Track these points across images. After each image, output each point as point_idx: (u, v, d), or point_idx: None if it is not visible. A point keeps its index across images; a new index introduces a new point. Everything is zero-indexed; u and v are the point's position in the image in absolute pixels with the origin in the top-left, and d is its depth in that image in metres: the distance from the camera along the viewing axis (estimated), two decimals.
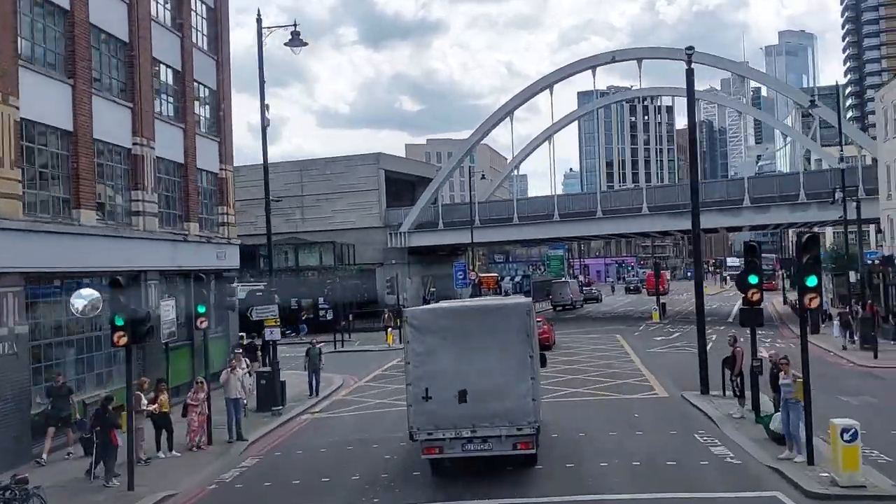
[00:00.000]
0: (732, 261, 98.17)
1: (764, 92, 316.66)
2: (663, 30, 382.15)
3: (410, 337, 13.90)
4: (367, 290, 59.04)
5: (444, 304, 18.43)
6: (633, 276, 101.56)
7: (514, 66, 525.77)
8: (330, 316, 49.99)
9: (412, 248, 59.57)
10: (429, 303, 54.87)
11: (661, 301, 52.56)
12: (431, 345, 13.72)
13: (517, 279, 74.38)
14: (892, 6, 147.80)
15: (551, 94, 55.38)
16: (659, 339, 38.25)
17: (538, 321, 34.65)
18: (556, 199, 55.03)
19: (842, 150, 35.78)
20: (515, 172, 64.13)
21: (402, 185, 63.71)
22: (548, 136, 60.61)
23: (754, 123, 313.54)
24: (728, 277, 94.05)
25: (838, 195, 35.07)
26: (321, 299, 50.67)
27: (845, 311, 34.93)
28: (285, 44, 22.35)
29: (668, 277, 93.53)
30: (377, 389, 26.07)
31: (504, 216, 56.50)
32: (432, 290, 54.46)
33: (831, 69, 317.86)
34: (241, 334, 41.43)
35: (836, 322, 34.41)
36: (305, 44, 22.43)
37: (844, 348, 32.54)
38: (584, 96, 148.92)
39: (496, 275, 71.80)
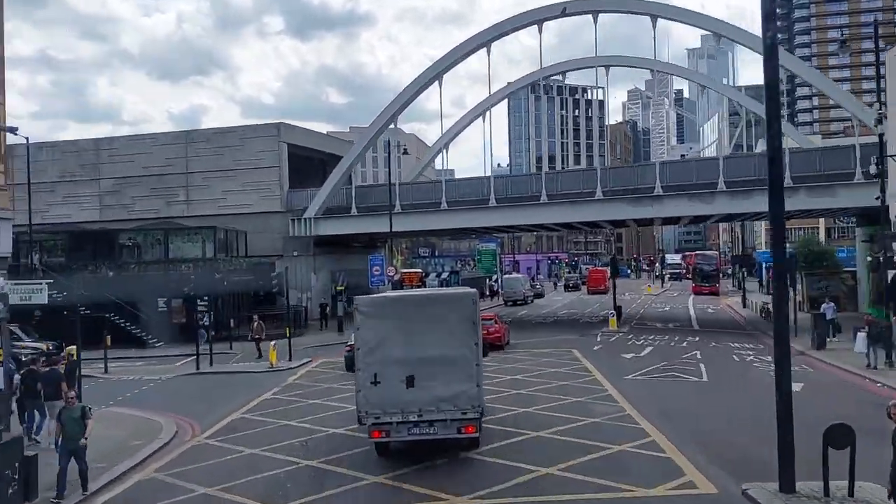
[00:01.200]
0: (672, 258, 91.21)
1: (686, 93, 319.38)
2: (587, 29, 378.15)
3: (360, 324, 14.02)
4: (263, 288, 48.33)
5: (392, 292, 19.80)
6: (573, 272, 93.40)
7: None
8: (208, 321, 39.09)
9: (320, 237, 49.08)
10: (327, 306, 46.03)
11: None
12: (380, 332, 13.85)
13: (444, 275, 64.67)
14: (822, 3, 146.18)
15: (488, 53, 45.82)
16: (629, 356, 29.02)
17: (490, 319, 30.09)
18: (491, 180, 45.43)
19: (882, 101, 26.88)
20: (444, 154, 54.27)
21: (310, 164, 52.99)
22: (483, 110, 51.13)
23: (677, 123, 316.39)
24: (668, 276, 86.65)
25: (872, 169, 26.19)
26: (200, 300, 39.61)
27: (875, 319, 26.30)
28: None
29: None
30: (220, 457, 15.66)
31: (430, 200, 46.61)
32: (341, 287, 44.06)
33: (749, 74, 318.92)
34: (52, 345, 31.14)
35: (861, 333, 25.87)
36: None
37: (871, 367, 24.36)
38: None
39: (420, 271, 61.82)
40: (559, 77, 57.02)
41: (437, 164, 57.96)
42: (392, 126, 46.58)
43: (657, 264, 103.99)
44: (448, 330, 13.86)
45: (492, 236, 76.49)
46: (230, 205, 50.54)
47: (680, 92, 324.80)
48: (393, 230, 44.38)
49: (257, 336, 32.03)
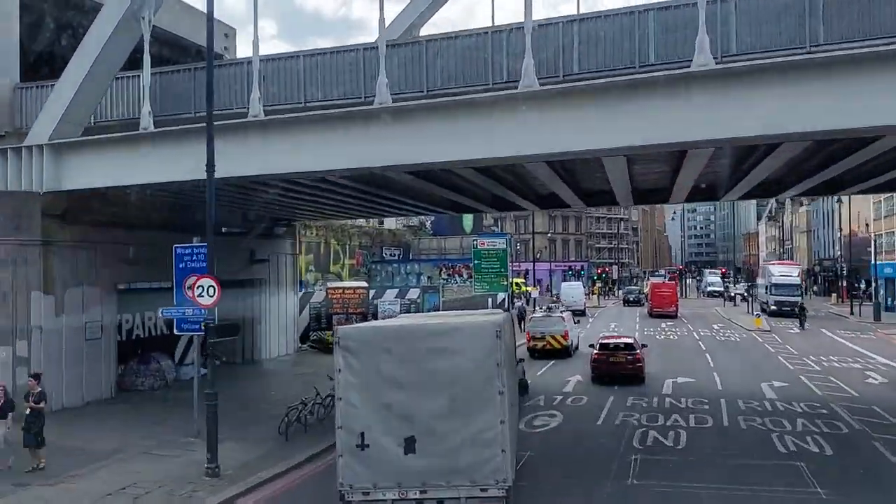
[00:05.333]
0: (783, 273, 53.21)
1: None
2: None
3: (342, 364, 9.98)
4: None
5: (390, 321, 13.54)
6: (633, 285, 68.57)
7: None
8: None
9: (76, 196, 18.00)
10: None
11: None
12: (370, 376, 9.85)
13: (414, 296, 33.40)
14: None
15: None
16: None
17: (628, 345, 23.49)
18: (528, 30, 14.15)
19: None
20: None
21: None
22: None
23: None
24: (773, 305, 48.85)
25: None
26: None
27: None
28: None
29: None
30: None
31: (350, 95, 15.60)
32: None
33: None
34: None
35: None
36: None
37: None
38: None
39: (363, 287, 30.89)
40: None
41: None
42: None
43: (737, 284, 72.72)
44: (462, 374, 9.68)
45: (494, 228, 45.70)
46: None
47: None
48: (240, 171, 13.56)
49: None
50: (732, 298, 63.38)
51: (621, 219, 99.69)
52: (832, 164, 18.23)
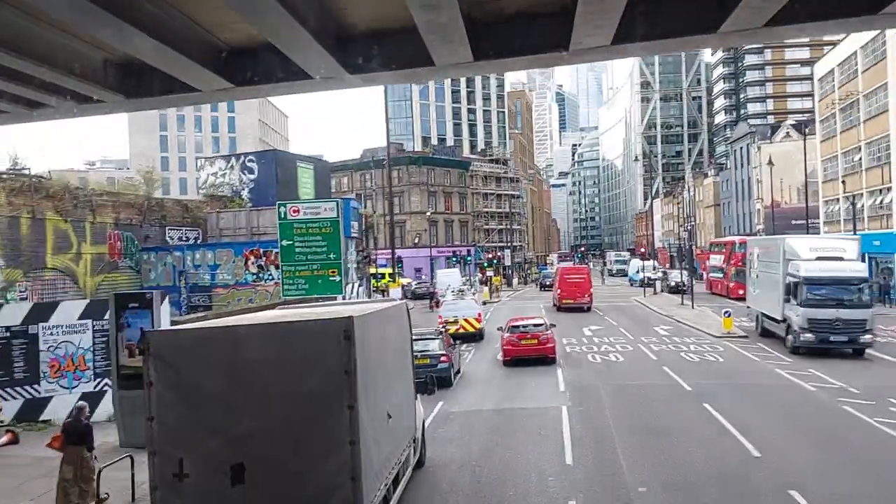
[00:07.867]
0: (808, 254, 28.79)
1: (567, 87, 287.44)
2: None
3: (154, 376, 7.46)
4: None
5: (210, 323, 9.65)
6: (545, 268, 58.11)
7: None
8: None
9: None
10: None
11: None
12: (188, 390, 7.44)
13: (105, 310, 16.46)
14: None
15: None
16: None
17: (539, 324, 23.04)
18: None
19: None
20: None
21: None
22: None
23: (560, 118, 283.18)
24: (803, 329, 21.67)
25: None
26: None
27: None
28: None
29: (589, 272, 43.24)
30: None
31: None
32: None
33: None
34: None
35: None
36: None
37: None
38: None
39: None
40: None
41: None
42: None
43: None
44: (301, 386, 7.34)
45: (356, 205, 30.36)
46: None
47: (560, 86, 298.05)
48: None
49: None
50: (652, 285, 50.53)
51: (511, 195, 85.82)
52: None
